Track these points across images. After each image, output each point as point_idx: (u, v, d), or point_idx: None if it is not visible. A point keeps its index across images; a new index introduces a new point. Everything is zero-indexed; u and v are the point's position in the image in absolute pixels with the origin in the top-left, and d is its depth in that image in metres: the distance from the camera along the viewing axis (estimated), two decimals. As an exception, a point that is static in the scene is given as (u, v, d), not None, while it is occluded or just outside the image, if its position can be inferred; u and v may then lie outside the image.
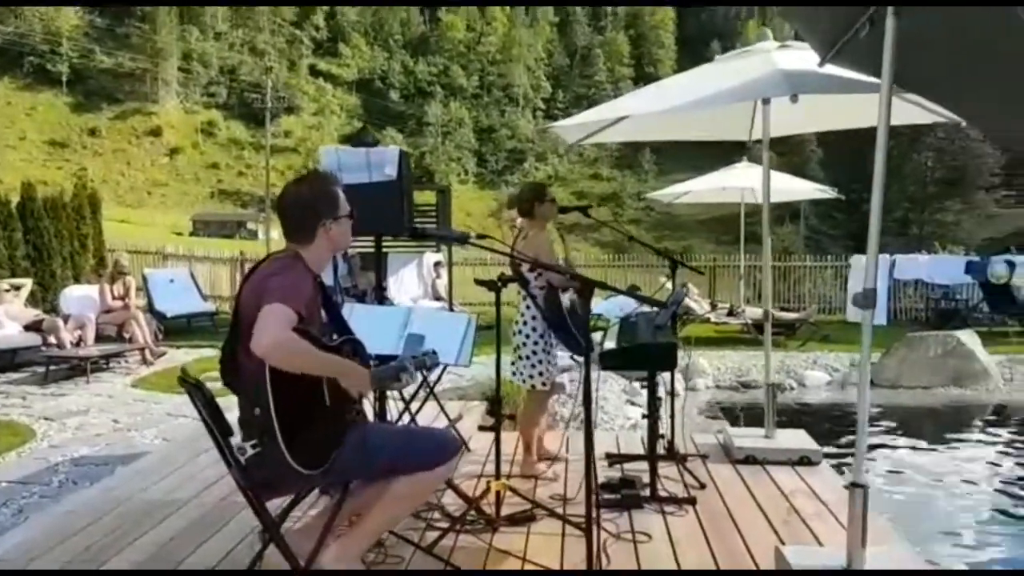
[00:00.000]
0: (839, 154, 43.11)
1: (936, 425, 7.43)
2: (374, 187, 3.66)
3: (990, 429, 7.16)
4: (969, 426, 7.32)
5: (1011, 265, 11.51)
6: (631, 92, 5.32)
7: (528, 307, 3.99)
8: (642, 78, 69.47)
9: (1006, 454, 6.32)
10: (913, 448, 6.51)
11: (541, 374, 4.03)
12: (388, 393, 3.61)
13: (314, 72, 77.13)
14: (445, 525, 3.32)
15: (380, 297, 4.22)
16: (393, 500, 2.43)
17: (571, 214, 4.34)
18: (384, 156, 3.80)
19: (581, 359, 2.83)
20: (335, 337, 2.52)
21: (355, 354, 2.47)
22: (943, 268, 13.01)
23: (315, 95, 75.35)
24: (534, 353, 4.01)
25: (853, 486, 2.60)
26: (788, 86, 3.48)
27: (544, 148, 71.02)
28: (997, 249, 18.07)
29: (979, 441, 6.85)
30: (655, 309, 3.72)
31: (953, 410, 7.73)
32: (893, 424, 7.12)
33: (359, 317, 3.70)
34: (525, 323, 4.03)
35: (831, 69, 3.34)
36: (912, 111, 3.80)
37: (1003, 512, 4.97)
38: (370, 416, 2.67)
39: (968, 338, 8.53)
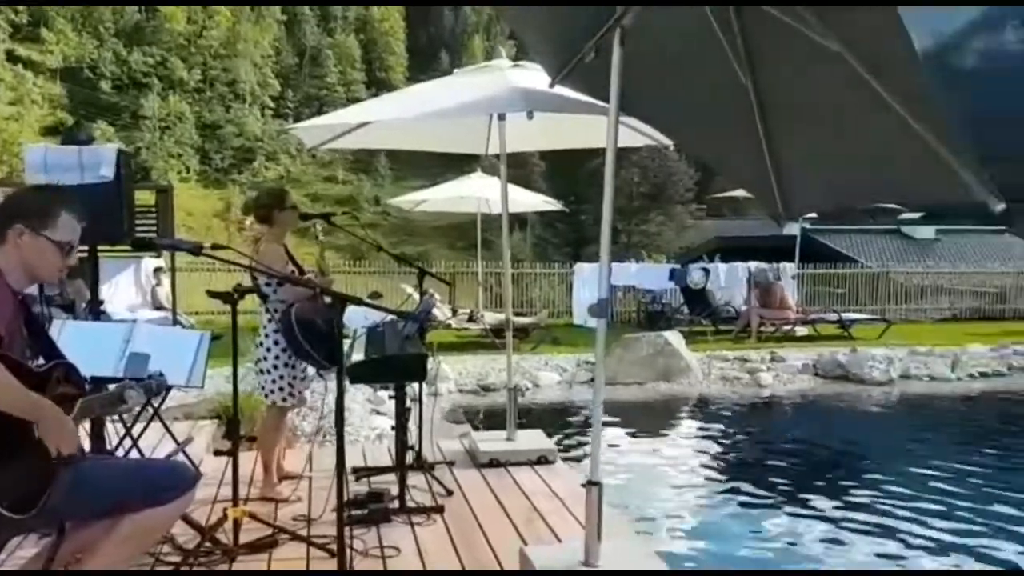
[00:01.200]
0: (559, 168, 46.49)
1: (651, 416, 8.22)
2: (88, 190, 3.26)
3: (694, 418, 8.07)
4: (678, 416, 8.20)
5: (706, 272, 13.08)
6: (374, 98, 5.27)
7: (270, 319, 3.79)
8: (374, 83, 69.27)
9: (711, 438, 7.15)
10: (634, 437, 7.15)
11: (282, 389, 3.84)
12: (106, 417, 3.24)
13: (11, 58, 67.53)
14: (177, 559, 3.05)
15: (96, 311, 3.76)
16: (119, 542, 2.15)
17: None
18: (100, 156, 3.39)
19: (327, 373, 2.75)
20: (42, 361, 2.20)
21: (67, 380, 2.17)
22: (650, 275, 14.45)
23: (13, 83, 65.98)
24: (275, 368, 3.82)
25: (589, 484, 2.78)
26: (525, 103, 3.65)
27: (275, 147, 68.43)
28: (693, 257, 20.47)
29: (688, 428, 7.70)
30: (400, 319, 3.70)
31: (664, 403, 8.59)
32: (616, 418, 7.76)
33: (71, 335, 3.29)
34: (267, 335, 3.82)
35: (563, 90, 3.55)
36: (632, 133, 4.15)
37: (715, 490, 5.62)
38: (87, 445, 2.36)
39: (674, 338, 9.54)
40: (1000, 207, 2.25)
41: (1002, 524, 4.89)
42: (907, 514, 5.05)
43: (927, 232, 25.36)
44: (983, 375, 9.52)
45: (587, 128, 4.22)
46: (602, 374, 2.88)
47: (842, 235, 24.98)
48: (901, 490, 5.64)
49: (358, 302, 2.49)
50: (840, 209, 11.87)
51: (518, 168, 33.77)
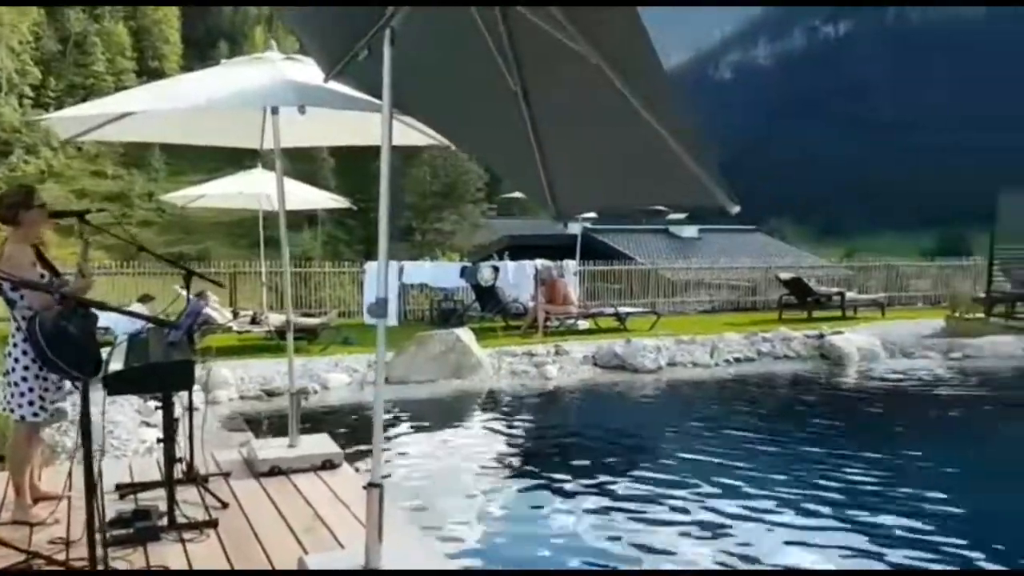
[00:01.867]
0: (349, 164, 45.80)
1: (444, 414, 8.31)
2: None
3: (485, 412, 8.26)
4: (470, 411, 8.36)
5: (495, 269, 13.43)
6: (137, 87, 4.89)
7: (18, 328, 3.43)
8: (146, 72, 64.31)
9: (500, 431, 7.35)
10: (426, 434, 7.19)
11: (32, 403, 3.49)
12: None
13: None
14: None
15: None
16: None
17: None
18: None
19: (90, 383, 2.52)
20: None
21: None
22: (443, 273, 14.61)
23: None
24: (24, 380, 3.47)
25: (370, 486, 2.76)
26: (296, 97, 3.55)
27: (35, 140, 61.60)
28: (484, 255, 20.96)
29: (478, 423, 7.87)
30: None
31: (455, 399, 8.72)
32: (408, 417, 7.77)
33: None
34: (15, 345, 3.47)
35: (339, 86, 3.49)
36: (411, 133, 4.16)
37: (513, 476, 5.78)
38: None
39: (465, 335, 9.71)
40: (736, 209, 2.49)
41: (759, 493, 5.45)
42: (682, 491, 5.49)
43: (691, 231, 27.71)
44: (737, 360, 10.55)
45: (369, 125, 4.18)
46: (382, 375, 2.87)
47: (619, 234, 26.64)
48: (675, 467, 6.14)
49: (101, 307, 2.29)
50: (607, 210, 12.62)
51: (306, 164, 32.76)
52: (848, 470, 5.98)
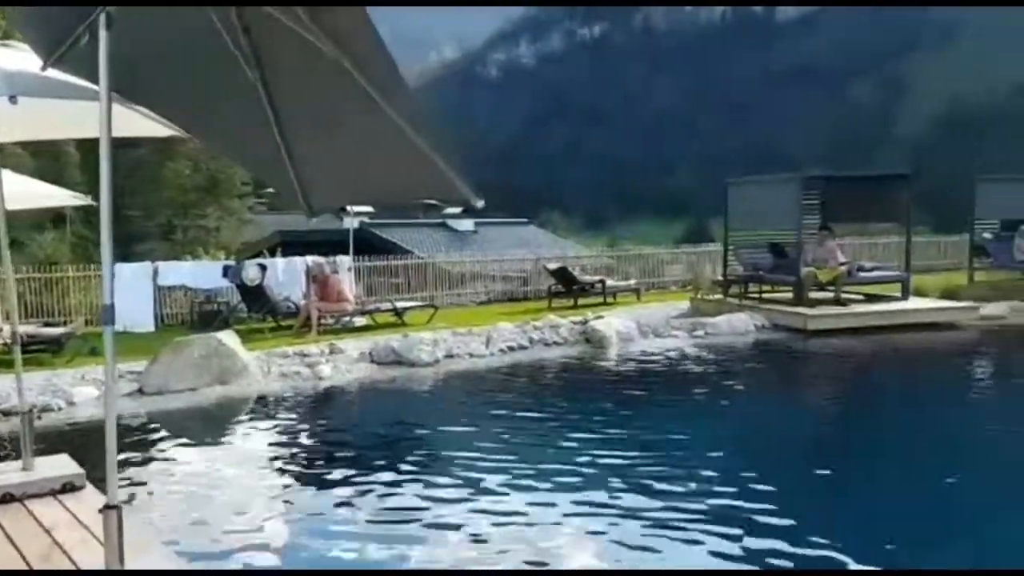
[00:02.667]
0: (97, 159, 41.68)
1: (206, 423, 7.86)
2: None
3: (253, 418, 7.92)
4: (235, 418, 7.97)
5: (262, 268, 12.88)
6: None
7: None
8: None
9: (267, 436, 7.08)
10: (185, 444, 6.77)
11: None
12: None
13: None
14: None
15: None
16: None
17: None
18: None
19: None
20: None
21: None
22: (204, 273, 13.79)
23: None
24: None
25: (106, 508, 2.56)
26: (5, 87, 3.19)
27: None
28: (253, 253, 20.04)
29: (245, 429, 7.53)
30: None
31: (219, 406, 8.27)
32: (165, 427, 7.26)
33: None
34: None
35: (59, 75, 3.18)
36: (140, 122, 3.87)
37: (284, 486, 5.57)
38: None
39: (229, 338, 9.23)
40: (480, 203, 2.58)
41: (543, 474, 5.70)
42: (462, 478, 5.61)
43: (467, 225, 28.30)
44: (511, 349, 10.94)
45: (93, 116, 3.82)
46: (113, 387, 2.67)
47: (398, 228, 26.60)
48: (453, 456, 6.27)
49: None
50: (358, 204, 12.46)
51: (49, 160, 29.46)
52: (614, 447, 6.45)
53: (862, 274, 13.22)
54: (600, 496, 5.23)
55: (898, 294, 12.96)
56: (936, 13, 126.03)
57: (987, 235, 15.28)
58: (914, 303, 12.71)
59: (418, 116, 2.32)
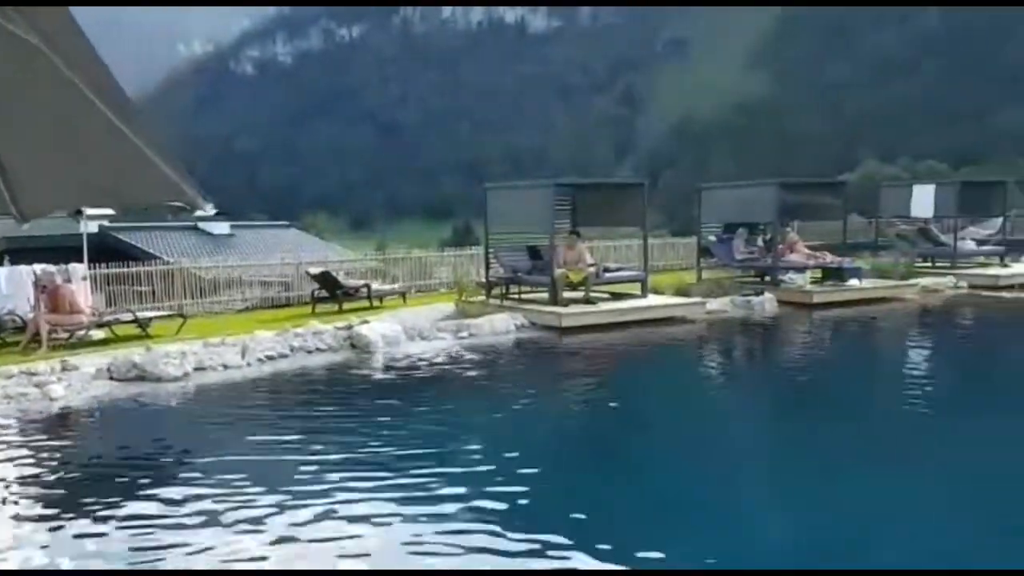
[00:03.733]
0: None
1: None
2: None
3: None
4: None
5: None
6: None
7: None
8: None
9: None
10: None
11: None
12: None
13: None
14: None
15: None
16: None
17: None
18: None
19: None
20: None
21: None
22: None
23: None
24: None
25: None
26: None
27: None
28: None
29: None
30: None
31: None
32: None
33: None
34: None
35: None
36: None
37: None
38: None
39: (-68, 358, 8.04)
40: (209, 207, 2.47)
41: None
42: (236, 497, 5.29)
43: (223, 228, 26.86)
44: (270, 358, 10.53)
45: None
46: None
47: (144, 232, 24.64)
48: (203, 472, 5.89)
49: None
50: (73, 207, 11.38)
51: None
52: (379, 450, 6.43)
53: (608, 274, 14.25)
54: (366, 504, 5.21)
55: (639, 292, 14.13)
56: (669, 31, 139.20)
57: (711, 237, 17.09)
58: (652, 300, 13.91)
59: (130, 113, 2.18)
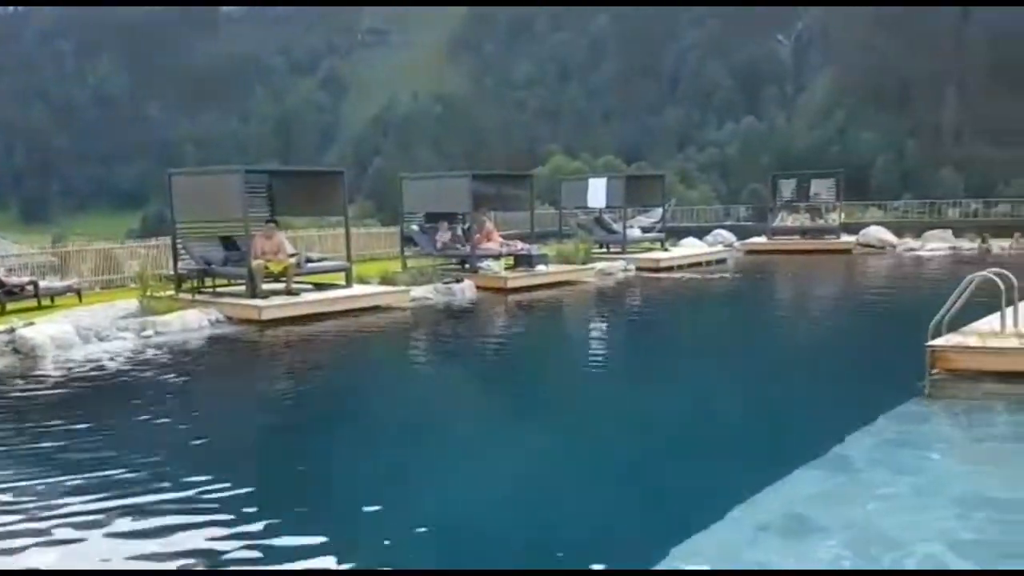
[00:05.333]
0: None
1: None
2: None
3: None
4: None
5: None
6: None
7: None
8: None
9: None
10: None
11: None
12: None
13: None
14: None
15: None
16: None
17: None
18: None
19: None
20: None
21: None
22: None
23: None
24: None
25: None
26: None
27: None
28: None
29: None
30: None
31: None
32: None
33: None
34: None
35: None
36: None
37: None
38: None
39: None
40: None
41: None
42: None
43: None
44: (-96, 371, 8.97)
45: None
46: None
47: None
48: None
49: None
50: None
51: None
52: (48, 464, 5.79)
53: (310, 265, 14.03)
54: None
55: (345, 282, 14.12)
56: (369, 20, 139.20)
57: (415, 227, 17.55)
58: (357, 290, 13.98)
59: None
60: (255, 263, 12.90)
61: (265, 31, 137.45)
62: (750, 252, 23.97)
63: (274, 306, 12.40)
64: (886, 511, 4.73)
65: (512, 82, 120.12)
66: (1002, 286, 7.63)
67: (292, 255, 13.57)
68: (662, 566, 4.15)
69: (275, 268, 13.13)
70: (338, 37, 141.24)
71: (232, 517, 4.83)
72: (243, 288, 13.13)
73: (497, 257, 16.77)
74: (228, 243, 13.84)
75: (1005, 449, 5.96)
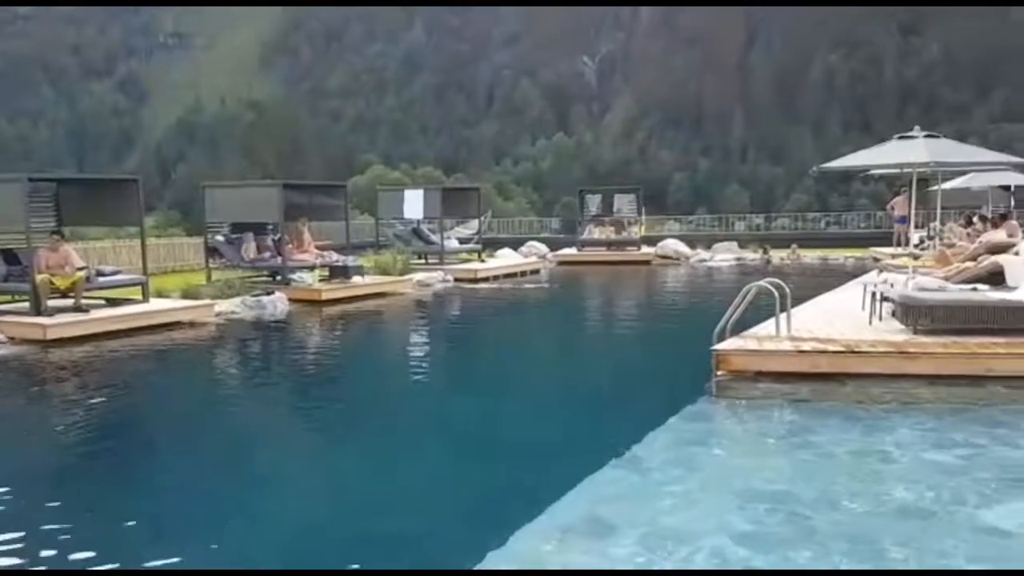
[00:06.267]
0: None
1: None
2: None
3: None
4: None
5: None
6: None
7: None
8: None
9: None
10: None
11: None
12: None
13: None
14: None
15: None
16: None
17: None
18: None
19: None
20: None
21: None
22: None
23: None
24: None
25: None
26: None
27: None
28: None
29: None
30: None
31: None
32: None
33: None
34: None
35: None
36: None
37: None
38: None
39: None
40: None
41: None
42: None
43: None
44: None
45: None
46: None
47: None
48: None
49: None
50: None
51: None
52: None
53: (102, 279, 13.01)
54: None
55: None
56: (172, 24, 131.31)
57: (219, 237, 16.72)
58: (156, 304, 13.13)
59: None
60: (39, 278, 11.79)
61: (54, 30, 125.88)
62: (562, 263, 24.94)
63: (61, 324, 11.39)
64: (676, 507, 5.11)
65: (328, 91, 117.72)
66: (776, 295, 8.47)
67: (81, 268, 12.51)
68: (480, 567, 4.26)
69: (62, 283, 12.06)
70: (136, 38, 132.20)
71: None
72: (27, 305, 11.96)
73: (312, 268, 16.37)
74: (9, 256, 12.59)
75: (780, 443, 6.61)
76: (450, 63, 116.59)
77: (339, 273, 16.48)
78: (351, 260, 16.85)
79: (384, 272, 17.87)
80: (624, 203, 27.53)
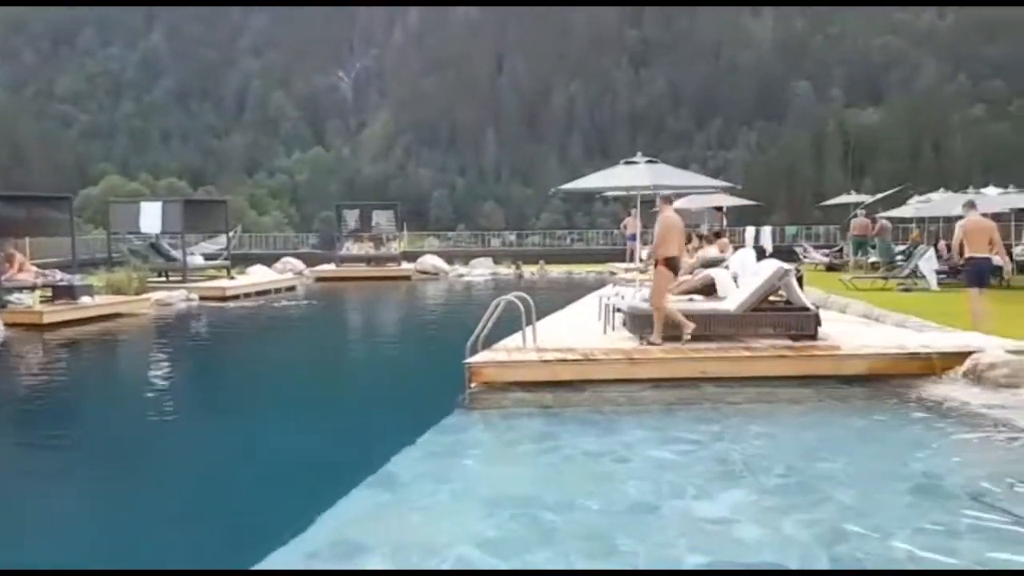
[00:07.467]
0: None
1: None
2: None
3: None
4: None
5: None
6: None
7: None
8: None
9: None
10: None
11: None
12: None
13: None
14: None
15: None
16: None
17: None
18: None
19: None
20: None
21: None
22: None
23: None
24: None
25: None
26: None
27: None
28: None
29: None
30: None
31: None
32: None
33: None
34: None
35: None
36: None
37: None
38: None
39: None
40: None
41: None
42: None
43: None
44: None
45: None
46: None
47: None
48: None
49: None
50: None
51: None
52: None
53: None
54: None
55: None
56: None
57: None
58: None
59: None
60: None
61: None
62: (320, 279, 24.38)
63: None
64: (426, 521, 5.17)
65: (56, 95, 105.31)
66: (522, 308, 8.90)
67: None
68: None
69: None
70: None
71: None
72: None
73: (32, 289, 14.62)
74: None
75: (527, 450, 6.90)
76: (194, 69, 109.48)
77: (64, 293, 14.85)
78: (77, 279, 15.26)
79: (118, 291, 16.40)
80: (383, 219, 27.55)
